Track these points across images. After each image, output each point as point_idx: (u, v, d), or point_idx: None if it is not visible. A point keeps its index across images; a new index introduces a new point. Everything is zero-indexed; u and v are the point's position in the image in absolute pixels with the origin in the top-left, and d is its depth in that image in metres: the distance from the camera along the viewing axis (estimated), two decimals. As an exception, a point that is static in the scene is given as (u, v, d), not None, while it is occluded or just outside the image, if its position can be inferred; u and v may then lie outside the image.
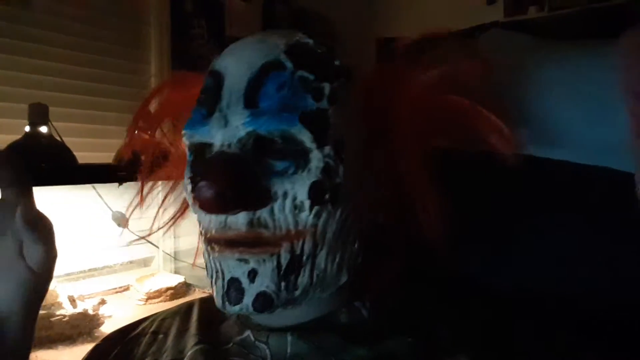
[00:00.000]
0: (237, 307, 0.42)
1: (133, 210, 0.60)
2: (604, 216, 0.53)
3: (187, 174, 0.47)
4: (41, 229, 0.44)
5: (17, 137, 1.09)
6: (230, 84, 0.44)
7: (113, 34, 1.51)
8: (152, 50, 1.61)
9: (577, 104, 0.53)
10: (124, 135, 0.59)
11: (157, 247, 1.57)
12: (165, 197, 0.60)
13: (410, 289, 0.51)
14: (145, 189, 0.59)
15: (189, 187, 0.46)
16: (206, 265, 0.46)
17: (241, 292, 0.42)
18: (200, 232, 0.47)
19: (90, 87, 1.44)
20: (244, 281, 0.42)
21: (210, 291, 0.46)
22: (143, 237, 0.67)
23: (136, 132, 0.58)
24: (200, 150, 0.46)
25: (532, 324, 0.47)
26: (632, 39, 0.52)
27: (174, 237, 1.57)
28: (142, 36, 1.60)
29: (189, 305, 0.57)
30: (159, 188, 0.60)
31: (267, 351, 0.46)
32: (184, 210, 0.59)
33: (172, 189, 0.59)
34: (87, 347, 0.58)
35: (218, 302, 0.44)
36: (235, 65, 0.44)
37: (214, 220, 0.43)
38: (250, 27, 1.90)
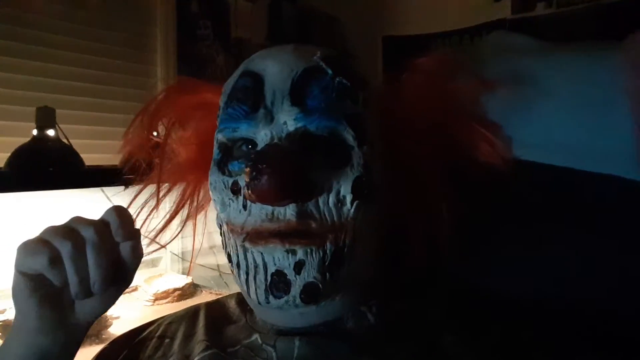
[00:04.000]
0: (282, 300, 0.43)
1: (150, 212, 0.60)
2: (606, 223, 0.52)
3: (214, 171, 0.49)
4: None
5: (25, 140, 1.10)
6: (272, 83, 0.46)
7: (119, 36, 1.51)
8: (158, 52, 1.61)
9: (580, 109, 0.52)
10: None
11: (165, 247, 1.58)
12: (182, 200, 0.60)
13: (416, 295, 0.51)
14: (146, 192, 0.59)
15: (226, 180, 0.47)
16: (237, 263, 0.46)
17: (287, 284, 0.43)
18: (232, 230, 0.47)
19: (97, 89, 1.44)
20: (290, 273, 0.43)
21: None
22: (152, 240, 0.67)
23: (133, 131, 0.59)
24: (231, 147, 0.48)
25: (537, 331, 0.47)
26: (637, 43, 0.51)
27: (182, 237, 1.57)
28: (148, 38, 1.60)
29: (195, 310, 0.57)
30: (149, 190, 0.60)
31: (274, 354, 0.46)
32: (177, 211, 0.59)
33: (168, 191, 0.59)
34: (94, 349, 0.58)
35: (260, 296, 0.44)
36: (276, 67, 0.46)
37: (257, 213, 0.44)
38: (256, 28, 1.90)
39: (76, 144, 1.18)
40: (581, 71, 0.54)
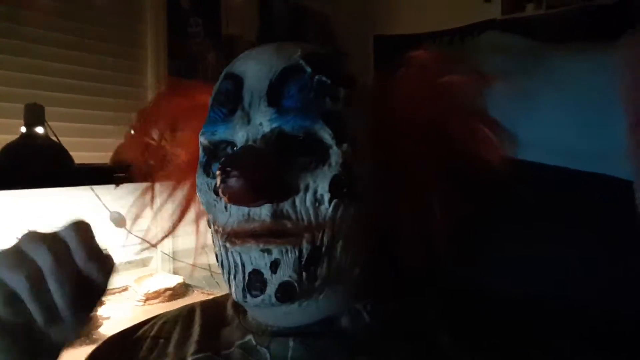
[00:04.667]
0: (258, 299, 0.43)
1: (154, 215, 0.60)
2: (601, 223, 0.52)
3: (200, 174, 0.49)
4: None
5: (13, 137, 1.08)
6: (250, 85, 0.46)
7: (109, 33, 1.50)
8: (148, 49, 1.60)
9: (574, 109, 0.53)
10: (121, 134, 0.59)
11: (155, 247, 1.56)
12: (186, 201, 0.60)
13: (412, 294, 0.51)
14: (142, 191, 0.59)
15: (209, 182, 0.47)
16: (222, 263, 0.47)
17: (264, 283, 0.43)
18: (216, 231, 0.47)
19: (87, 86, 1.43)
20: (266, 272, 0.43)
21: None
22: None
23: (132, 133, 0.59)
24: (214, 149, 0.48)
25: (535, 330, 0.47)
26: (630, 43, 0.51)
27: (172, 237, 1.55)
28: (139, 34, 1.59)
29: (191, 310, 0.57)
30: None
31: (268, 355, 0.46)
32: (183, 214, 0.59)
33: (171, 192, 0.59)
34: (85, 350, 0.58)
35: (238, 295, 0.44)
36: (255, 68, 0.46)
37: (235, 214, 0.45)
38: (247, 25, 1.89)
39: (66, 141, 1.17)
40: (575, 71, 0.54)
